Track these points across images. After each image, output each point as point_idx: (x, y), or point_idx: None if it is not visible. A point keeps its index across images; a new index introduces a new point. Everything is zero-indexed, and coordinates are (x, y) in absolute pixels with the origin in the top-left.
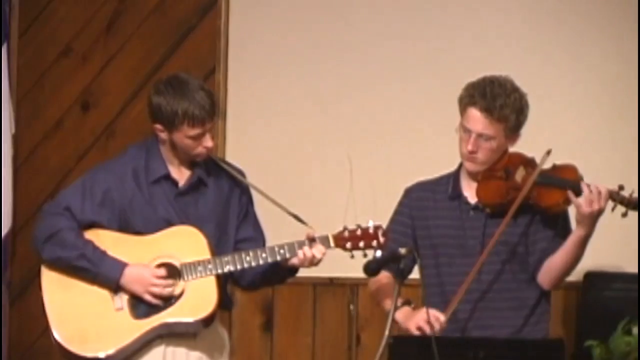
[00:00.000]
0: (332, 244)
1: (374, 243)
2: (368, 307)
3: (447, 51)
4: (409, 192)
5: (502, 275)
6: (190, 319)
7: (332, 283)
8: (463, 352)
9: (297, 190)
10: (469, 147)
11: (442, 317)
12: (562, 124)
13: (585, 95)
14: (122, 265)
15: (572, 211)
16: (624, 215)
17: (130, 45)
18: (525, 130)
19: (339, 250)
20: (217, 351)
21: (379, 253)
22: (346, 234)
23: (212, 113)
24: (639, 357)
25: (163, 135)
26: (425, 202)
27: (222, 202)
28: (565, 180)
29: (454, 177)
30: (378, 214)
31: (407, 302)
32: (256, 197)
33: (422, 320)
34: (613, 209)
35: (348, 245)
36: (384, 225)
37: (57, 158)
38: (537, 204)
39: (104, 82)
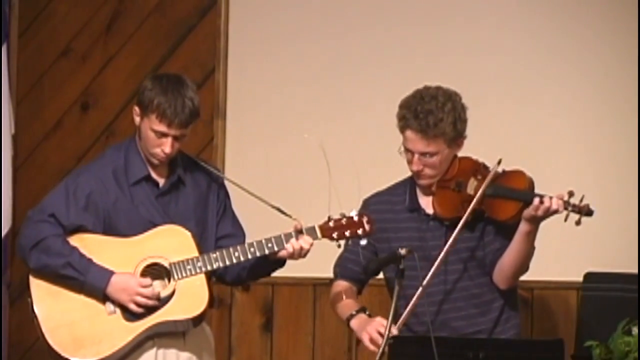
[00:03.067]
0: (319, 234)
1: (360, 231)
2: (368, 308)
3: (439, 47)
4: (367, 205)
5: (465, 279)
6: (183, 317)
7: (331, 283)
8: (463, 353)
9: (296, 187)
10: (414, 168)
11: (394, 330)
12: (559, 127)
13: (580, 100)
14: (109, 274)
15: None
16: (578, 223)
17: (130, 46)
18: (518, 134)
19: (337, 251)
20: (205, 351)
21: (364, 242)
22: (332, 224)
23: (182, 121)
24: (639, 357)
25: (137, 119)
26: (385, 214)
27: (201, 200)
28: (517, 191)
29: (410, 188)
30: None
31: (362, 310)
32: (243, 194)
33: (374, 331)
34: (566, 219)
35: (335, 235)
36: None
37: (57, 158)
38: (492, 217)
39: (103, 83)
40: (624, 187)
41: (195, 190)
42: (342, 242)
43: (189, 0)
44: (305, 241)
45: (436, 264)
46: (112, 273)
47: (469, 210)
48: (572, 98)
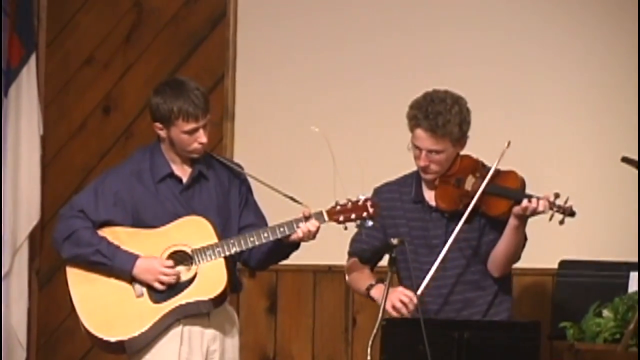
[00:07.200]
0: (326, 218)
1: (365, 214)
2: None
3: (438, 45)
4: (378, 193)
5: (465, 268)
6: (204, 298)
7: (330, 270)
8: (450, 333)
9: (297, 183)
10: (421, 164)
11: (414, 298)
12: (556, 128)
13: (579, 101)
14: (134, 257)
15: None
16: (561, 223)
17: (148, 54)
18: (517, 134)
19: (336, 240)
20: (229, 328)
21: (370, 223)
22: (338, 208)
23: (205, 110)
24: (638, 339)
25: (162, 133)
26: (393, 202)
27: (223, 193)
28: (510, 190)
29: (416, 181)
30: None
31: (380, 280)
32: (257, 186)
33: (396, 299)
34: (550, 218)
35: (341, 218)
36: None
37: (81, 157)
38: (486, 213)
39: (123, 88)
40: (596, 183)
41: (217, 184)
42: (348, 225)
43: (201, 13)
44: (312, 224)
45: (441, 255)
46: (137, 257)
47: (470, 206)
48: (562, 100)
